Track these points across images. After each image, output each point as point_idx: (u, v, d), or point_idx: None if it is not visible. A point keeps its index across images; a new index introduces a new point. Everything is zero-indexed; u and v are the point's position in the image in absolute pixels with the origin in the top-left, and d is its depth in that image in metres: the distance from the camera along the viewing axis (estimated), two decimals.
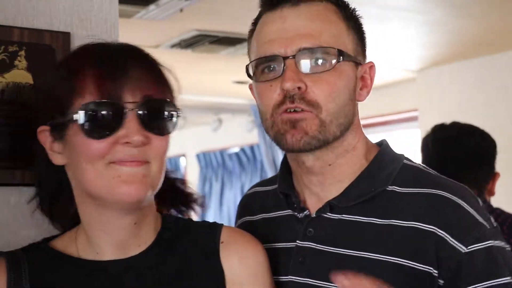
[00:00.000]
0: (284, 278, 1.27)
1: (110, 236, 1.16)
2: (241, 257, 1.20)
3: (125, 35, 1.52)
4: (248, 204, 1.45)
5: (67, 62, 1.18)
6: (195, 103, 6.43)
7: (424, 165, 1.33)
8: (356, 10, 1.29)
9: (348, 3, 1.29)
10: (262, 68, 1.25)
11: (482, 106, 5.07)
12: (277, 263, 1.28)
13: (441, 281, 1.17)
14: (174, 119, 1.16)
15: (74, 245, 1.18)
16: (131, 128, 1.10)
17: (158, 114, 1.14)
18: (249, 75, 1.29)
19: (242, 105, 7.01)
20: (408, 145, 5.75)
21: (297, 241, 1.28)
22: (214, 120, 7.65)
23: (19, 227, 1.40)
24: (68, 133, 1.14)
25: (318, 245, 1.26)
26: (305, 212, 1.29)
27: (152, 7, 3.68)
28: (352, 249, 1.22)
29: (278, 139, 1.25)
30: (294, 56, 1.21)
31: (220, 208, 8.01)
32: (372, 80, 1.30)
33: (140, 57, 1.16)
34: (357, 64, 1.27)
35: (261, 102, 1.26)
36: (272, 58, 1.23)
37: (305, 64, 1.21)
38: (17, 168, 1.39)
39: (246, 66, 1.29)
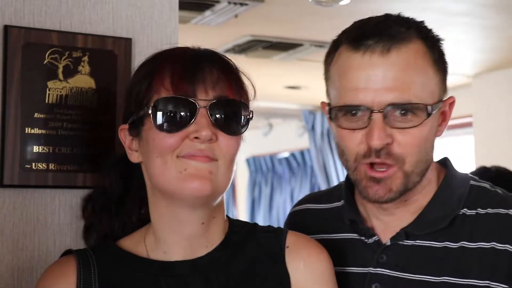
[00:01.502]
0: None
1: (179, 235, 1.18)
2: (306, 262, 1.21)
3: (181, 40, 1.54)
4: (300, 221, 1.43)
5: (146, 63, 1.22)
6: None
7: (490, 183, 1.32)
8: (441, 41, 1.25)
9: (434, 36, 1.25)
10: (345, 114, 1.22)
11: None
12: (347, 287, 1.27)
13: None
14: (244, 121, 1.18)
15: (142, 245, 1.20)
16: (201, 124, 1.13)
17: (228, 114, 1.16)
18: (329, 116, 1.26)
19: (293, 110, 7.01)
20: (462, 151, 5.66)
21: (370, 268, 1.27)
22: (265, 125, 7.67)
23: (80, 229, 1.43)
24: (144, 129, 1.17)
25: (392, 272, 1.25)
26: (375, 238, 1.28)
27: (208, 13, 3.72)
28: (428, 275, 1.22)
29: (359, 188, 1.25)
30: (381, 111, 1.18)
31: (269, 213, 8.01)
32: (450, 113, 1.29)
33: (217, 59, 1.19)
34: (441, 104, 1.25)
35: (344, 147, 1.24)
36: (357, 109, 1.20)
37: (393, 119, 1.19)
38: (79, 171, 1.43)
39: (328, 108, 1.26)
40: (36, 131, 1.40)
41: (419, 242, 1.25)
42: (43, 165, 1.40)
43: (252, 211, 8.21)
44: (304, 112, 6.98)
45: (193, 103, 1.14)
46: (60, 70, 1.43)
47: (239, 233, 1.23)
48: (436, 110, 1.22)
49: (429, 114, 1.20)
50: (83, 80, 1.45)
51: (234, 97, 1.17)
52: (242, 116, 1.18)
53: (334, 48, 1.27)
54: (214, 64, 1.17)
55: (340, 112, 1.22)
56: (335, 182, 6.77)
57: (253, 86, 1.21)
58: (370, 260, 1.27)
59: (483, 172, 2.42)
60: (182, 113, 1.14)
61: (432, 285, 1.21)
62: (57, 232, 1.42)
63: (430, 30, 1.25)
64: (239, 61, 1.23)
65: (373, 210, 1.29)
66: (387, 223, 1.28)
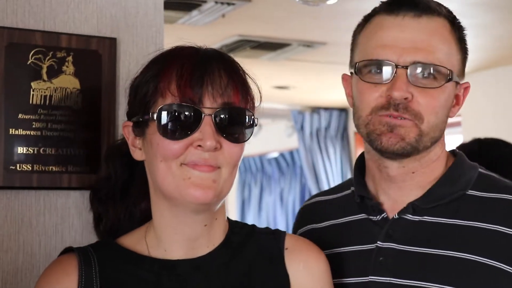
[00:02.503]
0: (364, 279, 1.29)
1: (180, 235, 1.18)
2: (306, 264, 1.22)
3: (168, 40, 1.53)
4: (310, 213, 1.47)
5: (154, 61, 1.20)
6: None
7: (497, 174, 1.36)
8: (464, 29, 1.32)
9: (460, 23, 1.32)
10: (370, 69, 1.27)
11: None
12: (354, 266, 1.30)
13: None
14: (250, 128, 1.18)
15: (143, 243, 1.19)
16: (205, 132, 1.12)
17: (234, 122, 1.15)
18: (353, 70, 1.31)
19: (282, 110, 7.01)
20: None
21: (378, 242, 1.30)
22: None
23: (65, 230, 1.43)
24: (148, 131, 1.16)
25: (400, 246, 1.28)
26: (383, 215, 1.32)
27: (194, 12, 3.71)
28: (436, 248, 1.25)
29: (371, 138, 1.28)
30: (406, 67, 1.23)
31: (259, 213, 8.01)
32: (464, 99, 1.34)
33: (225, 64, 1.17)
34: (457, 83, 1.30)
35: (360, 99, 1.29)
36: (384, 63, 1.25)
37: (416, 77, 1.24)
38: (64, 172, 1.42)
39: (354, 62, 1.31)
40: (20, 132, 1.39)
41: (426, 218, 1.28)
42: (28, 166, 1.39)
43: (242, 211, 8.21)
44: (293, 112, 6.99)
45: (199, 111, 1.13)
46: (44, 70, 1.42)
47: (239, 234, 1.23)
48: (455, 79, 1.28)
49: (448, 80, 1.25)
50: (68, 80, 1.43)
51: (240, 105, 1.16)
52: (247, 124, 1.17)
53: (366, 19, 1.33)
54: (222, 68, 1.15)
55: (365, 66, 1.28)
56: (324, 182, 6.77)
57: (259, 90, 1.21)
58: (378, 235, 1.30)
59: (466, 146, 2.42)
60: (186, 120, 1.13)
61: (438, 258, 1.24)
62: (42, 233, 1.41)
63: (456, 17, 1.32)
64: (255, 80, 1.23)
65: (382, 184, 1.32)
66: (395, 199, 1.31)
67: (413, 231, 1.28)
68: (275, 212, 7.82)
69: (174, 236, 1.18)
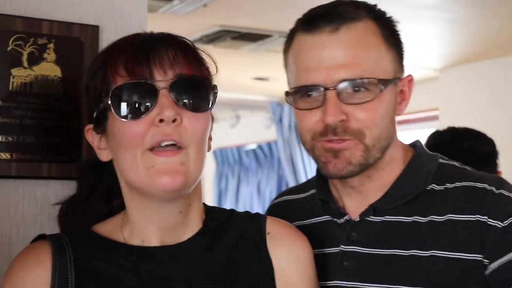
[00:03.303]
0: (329, 283, 1.28)
1: (155, 225, 1.16)
2: (289, 249, 1.20)
3: (149, 28, 1.51)
4: (280, 212, 1.44)
5: (98, 56, 1.18)
6: None
7: (459, 162, 1.34)
8: (394, 21, 1.28)
9: (386, 16, 1.28)
10: (301, 95, 1.25)
11: (505, 106, 5.02)
12: (319, 269, 1.28)
13: (487, 261, 1.19)
14: (209, 96, 1.15)
15: (119, 232, 1.17)
16: (163, 104, 1.09)
17: (191, 91, 1.12)
18: (286, 98, 1.29)
19: (261, 102, 7.00)
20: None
21: (341, 246, 1.28)
22: (232, 116, 7.65)
23: (45, 220, 1.40)
24: (108, 124, 1.14)
25: (363, 249, 1.27)
26: (346, 217, 1.30)
27: (176, 2, 3.68)
28: (398, 249, 1.23)
29: (319, 165, 1.27)
30: (334, 88, 1.20)
31: (236, 205, 8.01)
32: (410, 92, 1.31)
33: (172, 40, 1.15)
34: (396, 82, 1.27)
35: (301, 126, 1.27)
36: (312, 88, 1.22)
37: (347, 95, 1.21)
38: (43, 161, 1.39)
39: (286, 92, 1.28)
40: None
41: (388, 218, 1.27)
42: (7, 155, 1.37)
43: (219, 203, 8.20)
44: (272, 103, 6.98)
45: (152, 85, 1.10)
46: (25, 57, 1.39)
47: (218, 219, 1.21)
48: (390, 85, 1.24)
49: (381, 89, 1.22)
50: (49, 68, 1.41)
51: (194, 73, 1.13)
52: (206, 92, 1.14)
53: (290, 37, 1.30)
54: (169, 43, 1.13)
55: (296, 93, 1.25)
56: (302, 174, 6.79)
57: (213, 61, 1.17)
58: (341, 239, 1.29)
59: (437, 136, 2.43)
60: (142, 98, 1.10)
61: (402, 258, 1.23)
62: (20, 223, 1.38)
63: (380, 10, 1.28)
64: (207, 51, 1.19)
65: (342, 189, 1.31)
66: (357, 202, 1.30)
67: (375, 232, 1.27)
68: (252, 203, 7.82)
69: (149, 226, 1.16)
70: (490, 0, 3.72)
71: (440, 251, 1.21)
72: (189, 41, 1.17)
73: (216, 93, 1.16)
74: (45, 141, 1.40)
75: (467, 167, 1.32)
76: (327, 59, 1.21)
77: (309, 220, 1.37)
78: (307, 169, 6.83)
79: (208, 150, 1.17)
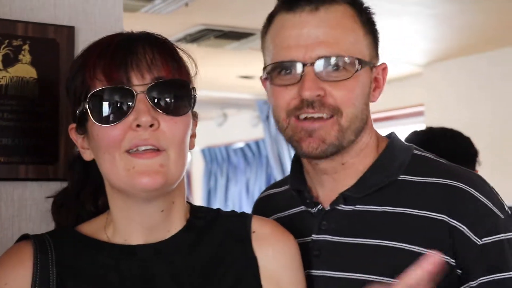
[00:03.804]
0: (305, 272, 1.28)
1: (138, 224, 1.16)
2: (275, 248, 1.20)
3: (129, 28, 1.51)
4: (262, 207, 1.46)
5: (79, 56, 1.18)
6: (200, 98, 6.35)
7: (434, 155, 1.34)
8: (370, 10, 1.30)
9: (364, 4, 1.30)
10: (279, 72, 1.26)
11: (490, 101, 5.05)
12: None
13: (459, 271, 1.19)
14: (187, 99, 1.15)
15: (103, 231, 1.17)
16: (139, 110, 1.09)
17: (168, 95, 1.12)
18: (264, 75, 1.30)
19: (248, 100, 7.00)
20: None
21: (312, 235, 1.29)
22: (219, 115, 7.65)
23: (22, 222, 1.40)
24: (88, 125, 1.14)
25: (333, 237, 1.27)
26: (318, 207, 1.31)
27: (157, 1, 3.67)
28: (368, 238, 1.24)
29: (293, 144, 1.27)
30: (312, 64, 1.22)
31: (225, 203, 8.01)
32: (384, 80, 1.32)
33: (151, 41, 1.14)
34: (372, 67, 1.29)
35: (275, 104, 1.28)
36: (290, 64, 1.24)
37: (324, 72, 1.23)
38: (21, 163, 1.39)
39: (264, 66, 1.29)
40: None
41: (358, 207, 1.27)
42: None
43: (208, 201, 8.20)
44: (259, 102, 6.98)
45: (129, 90, 1.10)
46: (0, 59, 1.38)
47: (204, 218, 1.22)
48: (366, 68, 1.26)
49: (358, 68, 1.24)
50: (24, 70, 1.41)
51: (173, 77, 1.12)
52: (185, 95, 1.14)
53: (269, 19, 1.31)
54: (147, 45, 1.12)
55: (274, 70, 1.26)
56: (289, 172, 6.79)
57: (194, 62, 1.18)
58: (313, 228, 1.30)
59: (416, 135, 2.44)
60: (119, 103, 1.10)
61: (370, 248, 1.23)
62: None
63: (359, 0, 1.30)
64: (191, 51, 1.19)
65: (315, 177, 1.32)
66: (329, 191, 1.31)
67: (346, 221, 1.27)
68: (241, 202, 7.82)
69: (131, 225, 1.16)
70: None
71: (407, 244, 1.21)
72: (169, 41, 1.17)
73: (195, 95, 1.16)
74: (22, 143, 1.40)
75: (442, 160, 1.32)
76: (306, 36, 1.23)
77: (287, 212, 1.37)
78: None
79: (191, 148, 1.17)
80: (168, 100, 1.11)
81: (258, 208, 1.48)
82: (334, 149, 1.24)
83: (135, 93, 1.09)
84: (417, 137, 2.41)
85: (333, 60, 1.22)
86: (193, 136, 1.19)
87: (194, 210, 1.23)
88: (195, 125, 1.19)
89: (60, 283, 1.11)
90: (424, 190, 1.24)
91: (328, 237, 1.28)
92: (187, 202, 1.23)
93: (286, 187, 1.43)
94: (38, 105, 1.41)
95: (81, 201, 1.23)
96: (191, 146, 1.17)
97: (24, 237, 1.17)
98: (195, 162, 8.67)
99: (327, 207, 1.30)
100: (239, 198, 7.88)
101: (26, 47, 1.41)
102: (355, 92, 1.24)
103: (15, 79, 1.39)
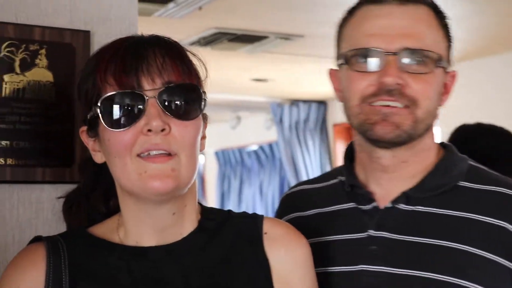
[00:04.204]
0: (354, 268, 1.29)
1: (149, 226, 1.16)
2: (287, 249, 1.20)
3: (144, 33, 1.53)
4: (295, 201, 1.46)
5: (90, 59, 1.19)
6: (214, 101, 6.43)
7: (486, 167, 1.38)
8: (449, 18, 1.34)
9: (443, 11, 1.34)
10: (359, 58, 1.27)
11: (503, 104, 5.02)
12: (342, 254, 1.30)
13: None
14: (197, 103, 1.15)
15: (115, 233, 1.18)
16: (150, 115, 1.10)
17: (179, 99, 1.12)
18: (341, 62, 1.32)
19: (261, 103, 7.02)
20: None
21: (370, 231, 1.30)
22: (233, 118, 7.67)
23: (39, 224, 1.42)
24: (99, 129, 1.15)
25: (392, 235, 1.28)
26: (373, 204, 1.32)
27: (171, 5, 3.69)
28: (429, 238, 1.25)
29: (364, 128, 1.28)
30: (396, 53, 1.24)
31: (238, 206, 8.02)
32: (452, 88, 1.35)
33: (160, 44, 1.14)
34: (445, 71, 1.32)
35: (349, 89, 1.29)
36: (372, 51, 1.26)
37: (406, 63, 1.25)
38: (38, 166, 1.41)
39: (341, 53, 1.31)
40: None
41: (419, 208, 1.29)
42: (1, 160, 1.38)
43: (222, 204, 8.22)
44: (272, 104, 7.00)
45: (140, 95, 1.10)
46: (17, 63, 1.40)
47: (214, 219, 1.22)
48: (442, 68, 1.29)
49: (438, 65, 1.27)
50: (41, 74, 1.42)
51: (183, 81, 1.13)
52: (195, 99, 1.15)
53: (350, 12, 1.34)
54: (157, 49, 1.13)
55: (354, 56, 1.28)
56: (303, 174, 6.80)
57: (203, 64, 1.18)
58: (369, 224, 1.30)
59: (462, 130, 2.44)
60: (130, 108, 1.10)
61: (431, 247, 1.24)
62: (15, 227, 1.40)
63: (439, 6, 1.35)
64: (205, 54, 1.20)
65: (373, 173, 1.33)
66: (386, 189, 1.32)
67: (405, 220, 1.29)
68: (254, 204, 7.84)
69: (143, 227, 1.16)
70: None
71: (469, 246, 1.23)
72: (178, 44, 1.17)
73: (206, 99, 1.17)
74: (39, 146, 1.41)
75: (494, 172, 1.35)
76: (392, 27, 1.26)
77: (330, 208, 1.38)
78: (308, 169, 6.85)
79: (202, 149, 1.18)
80: (178, 104, 1.12)
81: (287, 203, 1.48)
82: (407, 137, 1.26)
83: (146, 98, 1.10)
84: (465, 133, 2.40)
85: (416, 53, 1.25)
86: (203, 137, 1.20)
87: (205, 212, 1.23)
88: (205, 126, 1.20)
89: (73, 284, 1.12)
90: (483, 196, 1.27)
91: (387, 234, 1.28)
92: (198, 203, 1.23)
93: (327, 183, 1.43)
94: (54, 108, 1.43)
95: (92, 202, 1.24)
96: (202, 147, 1.18)
97: (37, 239, 1.18)
98: (208, 165, 8.69)
99: (386, 205, 1.30)
100: (252, 201, 7.89)
101: (43, 51, 1.43)
102: (433, 87, 1.27)
103: (32, 83, 1.41)
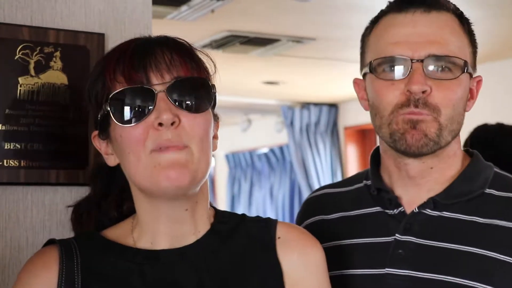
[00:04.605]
0: (380, 271, 1.29)
1: (164, 225, 1.16)
2: (300, 254, 1.20)
3: (156, 35, 1.53)
4: (318, 204, 1.47)
5: (98, 63, 1.20)
6: (225, 103, 6.45)
7: (509, 171, 1.38)
8: (471, 23, 1.34)
9: (466, 16, 1.34)
10: (385, 67, 1.28)
11: None
12: (368, 257, 1.31)
13: None
14: (207, 96, 1.15)
15: (130, 236, 1.18)
16: (160, 108, 1.10)
17: (188, 92, 1.13)
18: (366, 71, 1.32)
19: (272, 106, 7.02)
20: None
21: (396, 235, 1.30)
22: (244, 121, 7.67)
23: (53, 226, 1.42)
24: (111, 129, 1.15)
25: (419, 239, 1.28)
26: (400, 208, 1.32)
27: (184, 8, 3.70)
28: (456, 244, 1.25)
29: (395, 137, 1.28)
30: (422, 61, 1.25)
31: (249, 209, 8.02)
32: (477, 93, 1.36)
33: (168, 43, 1.15)
34: (471, 76, 1.32)
35: (380, 99, 1.29)
36: (398, 59, 1.26)
37: (432, 70, 1.26)
38: (52, 168, 1.41)
39: (367, 62, 1.32)
40: (7, 127, 1.38)
41: (445, 214, 1.29)
42: (15, 162, 1.39)
43: (232, 207, 8.22)
44: (283, 107, 6.99)
45: (149, 89, 1.11)
46: (32, 65, 1.41)
47: (228, 222, 1.22)
48: (467, 73, 1.29)
49: (464, 71, 1.27)
50: (55, 76, 1.43)
51: (192, 75, 1.14)
52: (204, 92, 1.15)
53: (375, 20, 1.34)
54: (165, 46, 1.13)
55: (380, 65, 1.29)
56: (314, 178, 6.79)
57: (211, 60, 1.19)
58: (396, 229, 1.30)
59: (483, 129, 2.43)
60: (140, 102, 1.11)
61: (458, 253, 1.24)
62: (29, 229, 1.40)
63: (463, 13, 1.35)
64: (217, 57, 1.21)
65: (400, 179, 1.33)
66: (412, 194, 1.32)
67: (432, 226, 1.29)
68: (265, 207, 7.83)
69: (157, 227, 1.16)
70: (498, 0, 3.72)
71: (497, 253, 1.23)
72: (186, 42, 1.18)
73: (215, 92, 1.17)
74: (53, 148, 1.42)
75: None
76: (417, 34, 1.26)
77: (355, 211, 1.38)
78: (319, 172, 6.84)
79: (214, 149, 1.18)
80: (188, 97, 1.12)
81: (310, 206, 1.48)
82: (434, 146, 1.26)
83: (155, 92, 1.11)
84: (483, 133, 2.39)
85: (442, 59, 1.26)
86: (215, 137, 1.20)
87: (218, 215, 1.23)
88: (216, 127, 1.20)
89: (85, 287, 1.12)
90: (510, 204, 1.27)
91: (413, 239, 1.28)
92: (212, 206, 1.23)
93: (351, 187, 1.43)
94: (68, 110, 1.43)
95: (103, 209, 1.24)
96: (214, 147, 1.18)
97: (51, 242, 1.18)
98: (219, 167, 8.69)
99: (413, 210, 1.31)
100: (263, 204, 7.89)
101: (58, 54, 1.43)
102: (457, 94, 1.27)
103: (46, 85, 1.42)
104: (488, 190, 1.30)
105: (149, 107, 1.11)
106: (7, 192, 1.39)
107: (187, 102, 1.12)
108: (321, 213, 1.43)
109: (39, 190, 1.42)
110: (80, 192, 1.41)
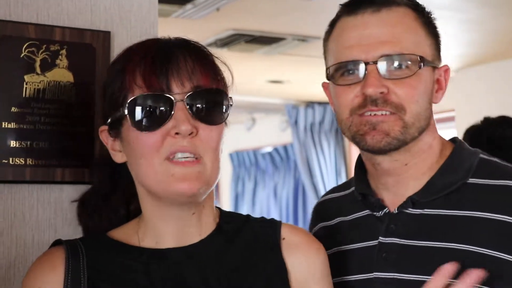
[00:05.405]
0: (368, 275, 1.29)
1: (170, 226, 1.17)
2: (305, 256, 1.21)
3: (161, 33, 1.53)
4: (322, 211, 1.48)
5: (118, 59, 1.19)
6: None
7: (500, 159, 1.34)
8: (431, 13, 1.32)
9: (424, 8, 1.32)
10: (342, 72, 1.28)
11: None
12: (358, 262, 1.30)
13: None
14: (224, 109, 1.16)
15: (136, 236, 1.19)
16: (179, 118, 1.10)
17: (207, 104, 1.13)
18: (327, 77, 1.32)
19: (276, 105, 7.01)
20: None
21: (380, 238, 1.30)
22: (248, 119, 7.66)
23: (59, 224, 1.42)
24: (123, 130, 1.15)
25: (402, 240, 1.28)
26: (385, 210, 1.32)
27: (189, 6, 3.70)
28: (438, 241, 1.24)
29: (357, 140, 1.28)
30: (375, 62, 1.24)
31: (252, 208, 8.01)
32: (446, 82, 1.33)
33: (190, 49, 1.15)
34: (434, 68, 1.30)
35: (338, 104, 1.30)
36: (352, 63, 1.26)
37: (387, 70, 1.25)
38: (57, 166, 1.41)
39: (326, 68, 1.32)
40: (13, 125, 1.38)
41: (427, 211, 1.28)
42: (21, 160, 1.38)
43: (236, 206, 8.21)
44: (287, 106, 6.99)
45: (169, 98, 1.11)
46: (38, 63, 1.41)
47: (233, 222, 1.22)
48: (428, 66, 1.27)
49: (420, 66, 1.25)
50: (61, 74, 1.42)
51: (211, 86, 1.14)
52: (222, 104, 1.16)
53: (332, 24, 1.34)
54: (187, 53, 1.14)
55: (336, 71, 1.28)
56: (318, 177, 6.78)
57: (230, 70, 1.19)
58: (380, 231, 1.30)
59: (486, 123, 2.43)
60: (158, 110, 1.11)
61: (441, 251, 1.23)
62: (35, 228, 1.40)
63: (419, 3, 1.33)
64: (221, 55, 1.20)
65: (379, 179, 1.33)
66: (394, 193, 1.31)
67: (414, 224, 1.28)
68: (268, 206, 7.82)
69: (163, 227, 1.17)
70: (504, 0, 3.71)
71: (480, 247, 1.20)
72: (206, 49, 1.18)
73: (231, 104, 1.18)
74: (59, 146, 1.41)
75: (508, 164, 1.31)
76: (369, 36, 1.25)
77: (351, 216, 1.38)
78: (323, 172, 6.83)
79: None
80: (206, 109, 1.13)
81: (318, 212, 1.49)
82: (398, 143, 1.25)
83: (174, 101, 1.11)
84: (474, 126, 2.41)
85: (395, 58, 1.24)
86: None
87: (223, 215, 1.24)
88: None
89: (91, 287, 1.12)
90: (495, 192, 1.24)
91: (396, 240, 1.28)
92: (217, 207, 1.24)
93: (348, 191, 1.43)
94: (74, 109, 1.43)
95: (113, 205, 1.24)
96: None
97: (57, 242, 1.19)
98: (222, 166, 8.68)
99: (394, 210, 1.30)
100: (266, 203, 7.88)
101: (63, 51, 1.43)
102: (418, 89, 1.26)
103: (52, 83, 1.41)
104: (471, 180, 1.27)
105: (167, 115, 1.11)
106: (13, 190, 1.39)
107: (204, 113, 1.13)
108: (323, 220, 1.44)
109: (44, 188, 1.42)
110: (85, 190, 1.41)
